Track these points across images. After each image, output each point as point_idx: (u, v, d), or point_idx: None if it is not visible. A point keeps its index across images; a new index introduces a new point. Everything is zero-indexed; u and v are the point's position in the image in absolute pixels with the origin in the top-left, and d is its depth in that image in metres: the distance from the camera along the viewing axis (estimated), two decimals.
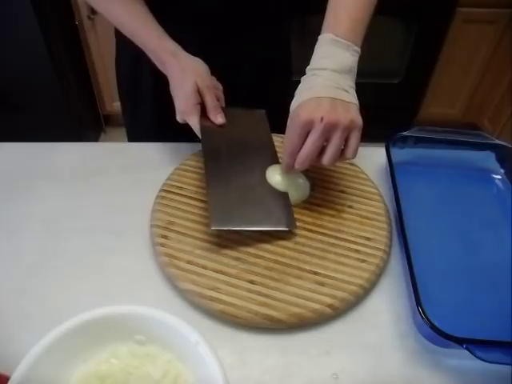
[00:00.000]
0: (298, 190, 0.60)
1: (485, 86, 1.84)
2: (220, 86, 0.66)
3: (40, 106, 1.66)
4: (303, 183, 0.62)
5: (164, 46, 0.62)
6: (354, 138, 0.53)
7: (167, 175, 0.64)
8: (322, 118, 0.51)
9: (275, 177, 0.60)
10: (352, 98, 0.54)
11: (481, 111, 1.93)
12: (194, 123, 0.61)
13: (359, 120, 0.53)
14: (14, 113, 1.67)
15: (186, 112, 0.61)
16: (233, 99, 0.67)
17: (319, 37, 0.57)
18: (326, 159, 0.53)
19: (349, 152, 0.54)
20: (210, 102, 0.62)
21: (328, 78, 0.54)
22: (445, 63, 1.78)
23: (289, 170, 0.57)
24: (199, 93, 0.61)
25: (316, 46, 0.57)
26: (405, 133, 0.66)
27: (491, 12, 1.65)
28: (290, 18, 0.62)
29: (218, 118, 0.63)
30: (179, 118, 0.62)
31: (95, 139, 1.98)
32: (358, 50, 0.56)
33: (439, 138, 0.67)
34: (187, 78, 0.61)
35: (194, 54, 0.64)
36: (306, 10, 1.44)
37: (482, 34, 1.70)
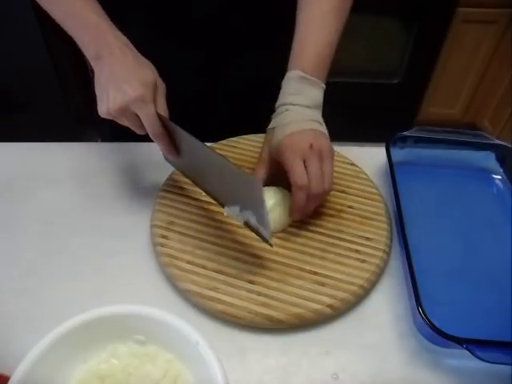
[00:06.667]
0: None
1: (485, 85, 1.84)
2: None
3: (40, 105, 1.66)
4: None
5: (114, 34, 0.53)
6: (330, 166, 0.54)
7: (167, 175, 0.64)
8: (311, 145, 0.53)
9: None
10: (325, 130, 0.57)
11: (481, 111, 1.92)
12: (151, 112, 0.48)
13: (333, 151, 0.56)
14: (14, 113, 1.66)
15: (143, 98, 0.47)
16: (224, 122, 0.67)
17: (287, 73, 0.58)
18: (327, 183, 0.53)
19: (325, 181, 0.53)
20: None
21: (302, 113, 0.56)
22: (445, 63, 1.78)
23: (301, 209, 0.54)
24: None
25: (284, 82, 0.58)
26: (405, 133, 0.66)
27: (491, 12, 1.65)
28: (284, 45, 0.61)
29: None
30: (117, 108, 0.48)
31: (95, 139, 1.98)
32: (324, 85, 0.59)
33: (439, 137, 0.67)
34: (144, 66, 0.51)
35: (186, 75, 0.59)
36: None
37: (482, 34, 1.70)
